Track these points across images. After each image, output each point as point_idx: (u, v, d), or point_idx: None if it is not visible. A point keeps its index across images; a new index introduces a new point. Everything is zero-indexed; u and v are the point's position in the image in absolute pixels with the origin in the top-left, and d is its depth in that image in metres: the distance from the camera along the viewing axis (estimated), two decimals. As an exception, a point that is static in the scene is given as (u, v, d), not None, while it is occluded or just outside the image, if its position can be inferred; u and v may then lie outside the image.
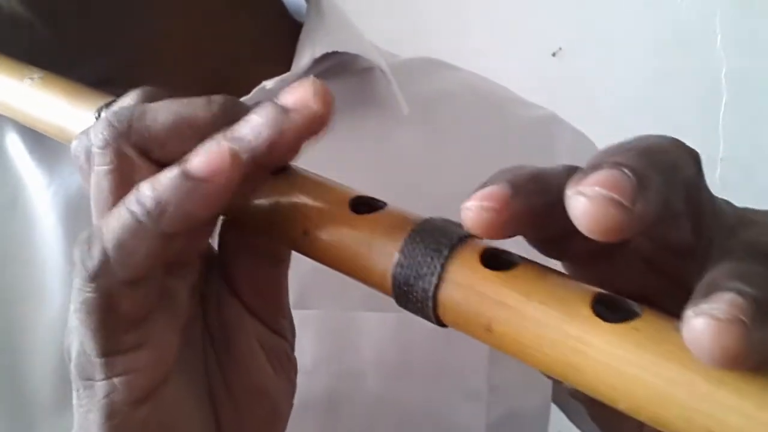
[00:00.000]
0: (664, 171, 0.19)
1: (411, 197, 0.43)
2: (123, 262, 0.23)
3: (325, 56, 0.42)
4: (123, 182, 0.25)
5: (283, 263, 0.29)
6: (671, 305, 0.23)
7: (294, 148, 0.24)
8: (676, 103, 1.21)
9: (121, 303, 0.24)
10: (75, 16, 0.38)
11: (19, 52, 0.37)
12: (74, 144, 0.27)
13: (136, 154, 0.25)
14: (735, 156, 1.20)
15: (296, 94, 0.23)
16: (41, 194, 0.40)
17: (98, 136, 0.26)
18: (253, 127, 0.23)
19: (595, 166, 0.19)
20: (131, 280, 0.23)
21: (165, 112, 0.26)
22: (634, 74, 1.22)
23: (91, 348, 0.24)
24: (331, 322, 0.40)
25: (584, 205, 0.18)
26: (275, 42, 0.45)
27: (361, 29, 0.47)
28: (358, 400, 0.40)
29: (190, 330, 0.27)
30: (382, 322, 0.40)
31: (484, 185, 0.21)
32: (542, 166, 0.22)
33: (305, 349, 0.39)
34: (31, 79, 0.35)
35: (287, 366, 0.29)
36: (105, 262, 0.23)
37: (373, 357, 0.40)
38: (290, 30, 0.46)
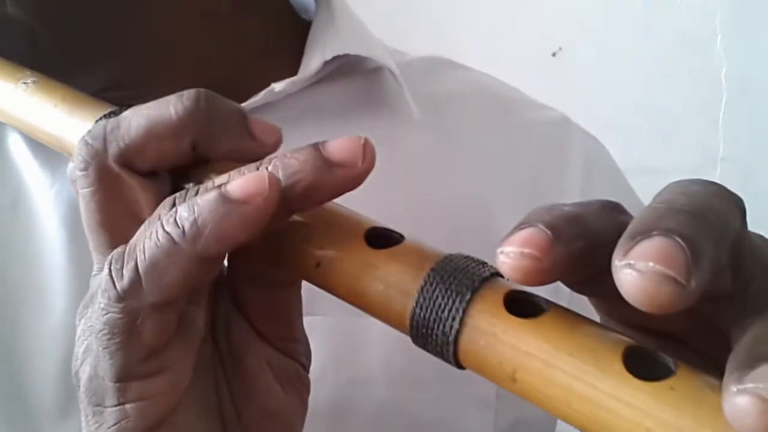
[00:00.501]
0: (716, 235, 0.18)
1: (421, 201, 0.42)
2: (154, 285, 0.22)
3: (335, 57, 0.42)
4: (112, 200, 0.25)
5: (294, 287, 0.28)
6: (700, 343, 0.23)
7: (324, 201, 0.23)
8: (676, 103, 1.21)
9: (146, 327, 0.23)
10: (77, 21, 0.37)
11: (19, 57, 0.37)
12: (70, 166, 0.27)
13: (120, 169, 0.25)
14: (735, 156, 1.20)
15: (348, 150, 0.23)
16: (44, 195, 0.40)
17: (77, 158, 0.25)
18: (287, 170, 0.23)
19: (644, 232, 0.18)
20: (159, 304, 0.23)
21: (137, 117, 0.25)
22: (634, 74, 1.22)
23: (106, 372, 0.23)
24: (339, 328, 0.39)
25: (636, 280, 0.17)
26: (282, 42, 0.45)
27: (369, 28, 0.47)
28: (365, 407, 0.39)
29: (200, 352, 0.27)
30: (390, 329, 0.40)
31: (520, 227, 0.20)
32: (577, 203, 0.21)
33: (312, 355, 0.39)
34: (25, 83, 0.34)
35: (299, 387, 0.29)
36: (136, 283, 0.22)
37: (380, 364, 0.39)
38: (297, 29, 0.45)
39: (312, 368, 0.38)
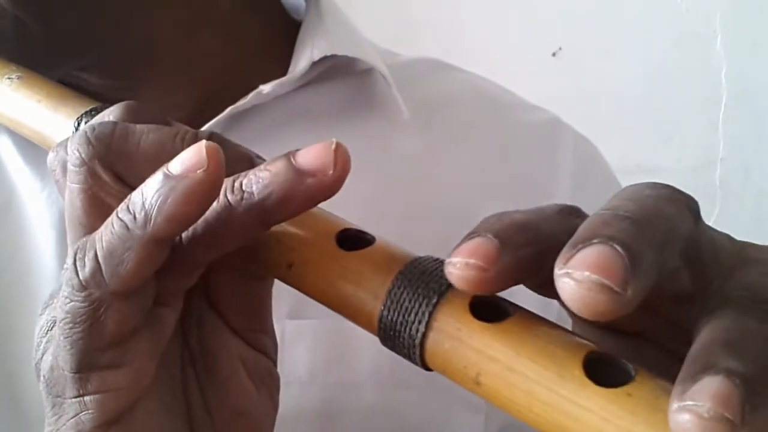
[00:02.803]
0: (660, 240, 0.18)
1: (411, 202, 0.42)
2: (114, 272, 0.22)
3: (323, 58, 0.42)
4: (95, 202, 0.25)
5: (267, 280, 0.28)
6: (666, 341, 0.23)
7: (300, 211, 0.23)
8: (676, 103, 1.21)
9: (108, 317, 0.23)
10: (66, 11, 0.37)
11: (6, 46, 0.37)
12: (50, 156, 0.27)
13: (111, 177, 0.25)
14: (735, 156, 1.20)
15: (317, 158, 0.22)
16: (34, 199, 0.40)
17: (74, 153, 0.25)
18: (259, 183, 0.22)
19: (585, 240, 0.18)
20: (121, 293, 0.23)
21: (148, 140, 0.25)
22: (634, 74, 1.22)
23: (66, 362, 0.23)
24: (327, 332, 0.39)
25: (572, 288, 0.17)
26: (274, 43, 0.45)
27: (360, 29, 0.47)
28: (354, 412, 0.39)
29: (168, 348, 0.26)
30: None
31: (470, 236, 0.20)
32: (532, 209, 0.21)
33: (300, 359, 0.38)
34: (10, 78, 0.34)
35: (270, 384, 0.28)
36: (97, 271, 0.22)
37: (369, 368, 0.39)
38: (288, 29, 0.45)
39: (301, 372, 0.37)
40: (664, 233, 0.19)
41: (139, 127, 0.26)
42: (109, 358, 0.23)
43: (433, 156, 0.45)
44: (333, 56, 0.42)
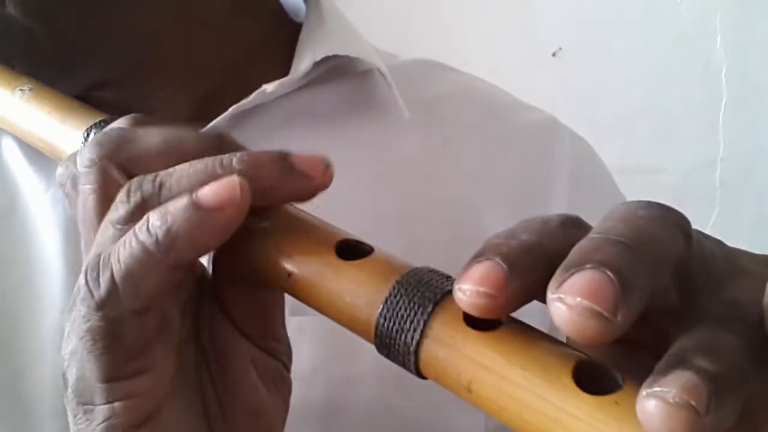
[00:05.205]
0: (651, 265, 0.19)
1: (410, 202, 0.43)
2: (131, 292, 0.23)
3: (325, 59, 0.42)
4: (108, 202, 0.25)
5: (276, 290, 0.28)
6: (660, 349, 0.24)
7: (280, 202, 0.25)
8: (676, 103, 1.22)
9: (127, 332, 0.24)
10: (73, 21, 0.38)
11: (16, 56, 0.37)
12: (60, 171, 0.28)
13: (122, 177, 0.25)
14: (735, 156, 1.20)
15: (313, 165, 0.24)
16: (39, 199, 0.40)
17: (84, 156, 0.26)
18: (255, 170, 0.24)
19: (578, 264, 0.18)
20: (138, 310, 0.23)
21: (156, 140, 0.26)
22: (634, 74, 1.22)
23: (93, 374, 0.24)
24: (330, 328, 0.38)
25: (564, 313, 0.18)
26: (274, 44, 0.45)
27: (359, 29, 0.47)
28: (355, 408, 0.39)
29: (184, 352, 0.27)
30: None
31: (478, 258, 0.20)
32: (536, 223, 0.21)
33: (303, 356, 0.38)
34: (21, 90, 0.35)
35: (282, 386, 0.29)
36: (113, 291, 0.23)
37: (371, 364, 0.39)
38: (289, 31, 0.45)
39: (303, 368, 0.37)
40: (655, 258, 0.19)
41: (146, 129, 0.26)
42: (133, 367, 0.24)
43: (431, 156, 0.45)
44: (335, 56, 0.42)
